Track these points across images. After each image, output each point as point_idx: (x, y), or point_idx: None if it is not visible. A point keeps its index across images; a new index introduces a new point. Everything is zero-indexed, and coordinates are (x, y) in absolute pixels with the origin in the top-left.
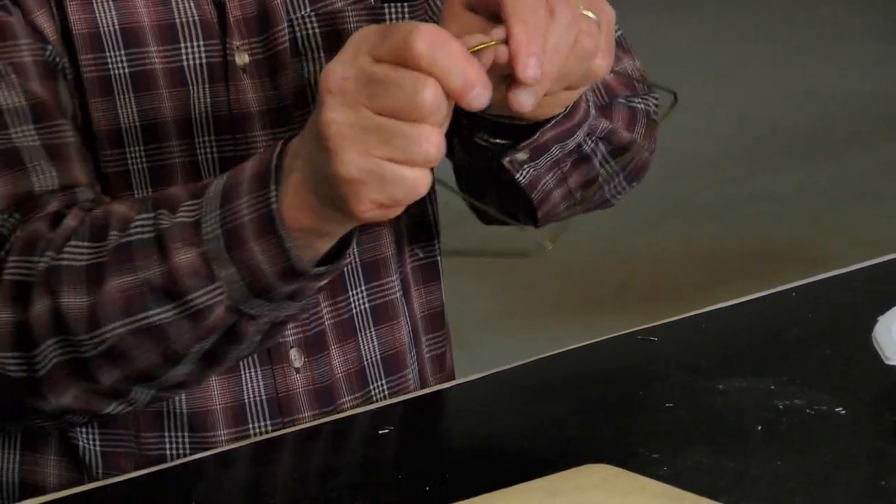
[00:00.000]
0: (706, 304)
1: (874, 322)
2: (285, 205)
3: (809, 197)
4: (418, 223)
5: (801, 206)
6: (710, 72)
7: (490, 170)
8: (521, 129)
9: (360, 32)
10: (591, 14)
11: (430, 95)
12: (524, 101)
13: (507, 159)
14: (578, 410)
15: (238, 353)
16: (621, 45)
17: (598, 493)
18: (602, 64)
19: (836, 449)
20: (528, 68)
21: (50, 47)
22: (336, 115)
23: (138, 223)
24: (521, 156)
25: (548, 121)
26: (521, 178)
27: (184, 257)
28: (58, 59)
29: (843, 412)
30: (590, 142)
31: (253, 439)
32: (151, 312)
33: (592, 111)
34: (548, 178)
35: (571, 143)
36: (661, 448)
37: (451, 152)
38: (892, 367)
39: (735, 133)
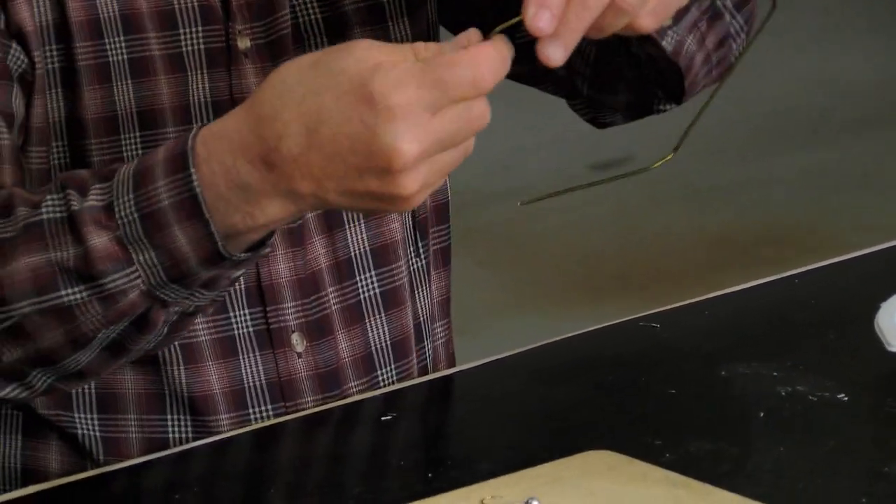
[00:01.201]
0: (711, 289)
1: (877, 309)
2: (207, 190)
3: (815, 181)
4: (437, 206)
5: (806, 191)
6: None
7: (623, 54)
8: None
9: (403, 92)
10: None
11: (486, 107)
12: (551, 55)
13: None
14: (581, 397)
15: (145, 344)
16: None
17: (600, 480)
18: (646, 23)
19: (838, 435)
20: (535, 19)
21: (13, 49)
22: (419, 176)
23: (49, 202)
24: (665, 21)
25: None
26: (666, 44)
27: (98, 241)
28: (20, 61)
29: (846, 399)
30: None
31: (255, 426)
32: (62, 293)
33: None
34: (689, 40)
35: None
36: (664, 434)
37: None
38: (895, 353)
39: (740, 118)
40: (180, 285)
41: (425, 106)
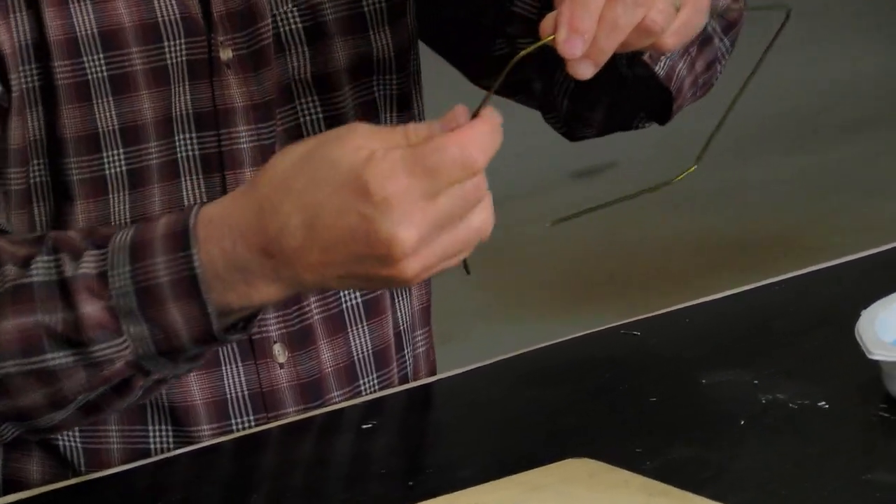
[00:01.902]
0: (692, 295)
1: (858, 316)
2: (205, 271)
3: (798, 185)
4: None
5: (791, 196)
6: None
7: (614, 76)
8: None
9: (396, 181)
10: None
11: (481, 182)
12: (582, 73)
13: (647, 53)
14: (562, 404)
15: (119, 405)
16: None
17: (581, 488)
18: (669, 42)
19: (819, 442)
20: (567, 45)
21: None
22: (420, 259)
23: (39, 264)
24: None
25: None
26: (659, 71)
27: (90, 309)
28: None
29: (827, 406)
30: (712, 21)
31: (236, 434)
32: (48, 356)
33: None
34: (681, 65)
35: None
36: (645, 442)
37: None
38: (875, 361)
39: (726, 121)
40: (167, 358)
41: (419, 193)
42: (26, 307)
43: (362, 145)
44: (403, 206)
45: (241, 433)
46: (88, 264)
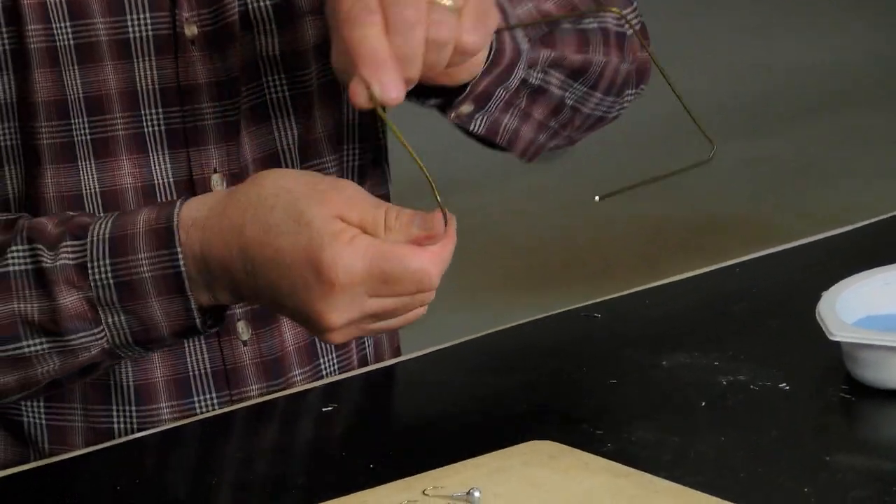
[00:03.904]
0: (652, 278)
1: (818, 297)
2: (187, 271)
3: (755, 170)
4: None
5: (747, 180)
6: (658, 45)
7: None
8: (453, 89)
9: (350, 274)
10: (446, 2)
11: (429, 296)
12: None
13: (452, 116)
14: (523, 387)
15: (79, 381)
16: None
17: (543, 470)
18: (469, 40)
19: (780, 424)
20: (384, 94)
21: None
22: (345, 333)
23: (15, 254)
24: (466, 108)
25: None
26: (475, 129)
27: (68, 300)
28: None
29: (788, 387)
30: (536, 74)
31: (198, 416)
32: (23, 343)
33: (524, 47)
34: (507, 119)
35: (514, 82)
36: (606, 424)
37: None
38: (836, 342)
39: (680, 107)
40: (143, 348)
41: (367, 290)
42: (3, 295)
43: (339, 214)
44: (346, 297)
45: (203, 416)
46: (67, 255)
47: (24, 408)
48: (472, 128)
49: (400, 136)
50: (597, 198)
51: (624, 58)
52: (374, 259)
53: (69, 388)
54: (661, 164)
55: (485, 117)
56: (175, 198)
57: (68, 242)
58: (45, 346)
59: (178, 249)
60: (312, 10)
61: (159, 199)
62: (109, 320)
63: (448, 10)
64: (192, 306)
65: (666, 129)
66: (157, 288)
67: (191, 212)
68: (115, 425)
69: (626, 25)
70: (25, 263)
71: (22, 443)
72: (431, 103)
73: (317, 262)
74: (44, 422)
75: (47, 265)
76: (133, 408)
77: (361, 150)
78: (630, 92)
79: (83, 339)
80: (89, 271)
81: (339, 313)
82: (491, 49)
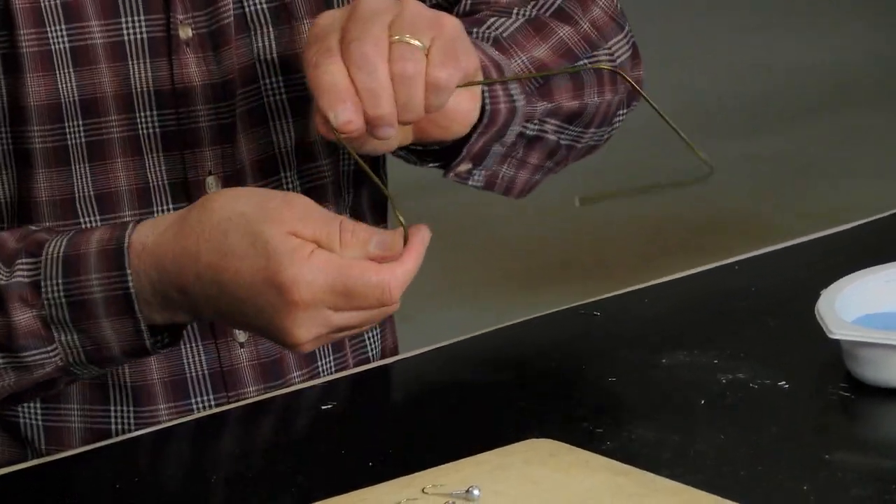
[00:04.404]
0: (651, 277)
1: (818, 296)
2: (137, 292)
3: (755, 169)
4: (373, 205)
5: (747, 179)
6: (658, 43)
7: None
8: (451, 147)
9: (312, 292)
10: (411, 41)
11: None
12: (380, 142)
13: (451, 175)
14: (522, 385)
15: (40, 395)
16: (562, 11)
17: (542, 468)
18: (440, 74)
19: (779, 422)
20: (339, 122)
21: None
22: (312, 344)
23: None
24: (464, 167)
25: (470, 134)
26: (474, 184)
27: (22, 317)
28: None
29: (787, 386)
30: (532, 126)
31: (194, 415)
32: None
33: (520, 103)
34: (504, 169)
35: (510, 137)
36: (605, 422)
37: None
38: (835, 341)
39: (682, 105)
40: (97, 366)
41: (330, 305)
42: None
43: (293, 231)
44: (310, 313)
45: (200, 414)
46: (22, 273)
47: (20, 409)
48: (470, 182)
49: (363, 164)
50: (577, 202)
51: (616, 90)
52: (334, 274)
53: (29, 399)
54: (661, 162)
55: (482, 172)
56: (170, 200)
57: (24, 260)
58: (0, 361)
59: (128, 271)
60: (310, 13)
61: (154, 202)
62: (63, 338)
63: (412, 46)
64: (142, 327)
65: (665, 128)
66: (108, 308)
67: (141, 237)
68: (113, 426)
69: (619, 69)
70: None
71: (19, 444)
72: (430, 164)
73: (278, 282)
74: (41, 423)
75: (2, 282)
76: (131, 409)
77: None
78: (621, 113)
79: (37, 357)
80: (42, 290)
81: (306, 329)
82: (485, 109)
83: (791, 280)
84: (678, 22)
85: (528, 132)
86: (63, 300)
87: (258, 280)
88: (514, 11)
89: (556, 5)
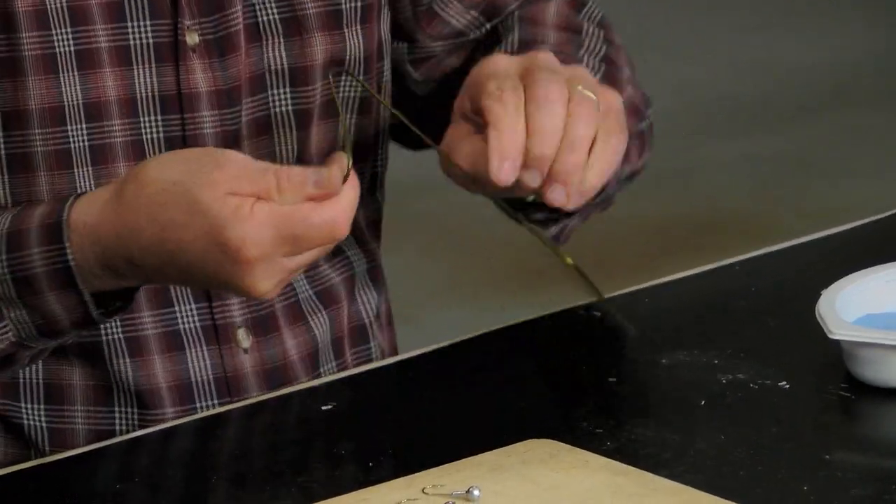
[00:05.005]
0: (651, 277)
1: (818, 296)
2: (79, 265)
3: (755, 168)
4: (370, 222)
5: (747, 178)
6: (658, 42)
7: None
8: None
9: (261, 247)
10: (590, 95)
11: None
12: (556, 197)
13: (537, 228)
14: (522, 385)
15: (5, 375)
16: (613, 76)
17: (541, 468)
18: (592, 183)
19: (779, 422)
20: (499, 172)
21: None
22: (274, 291)
23: None
24: (553, 229)
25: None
26: (553, 231)
27: None
28: None
29: (787, 386)
30: (619, 185)
31: (198, 415)
32: None
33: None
34: (574, 222)
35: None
36: (605, 422)
37: None
38: (836, 341)
39: (681, 104)
40: (50, 338)
41: (282, 254)
42: None
43: (230, 191)
44: (264, 266)
45: (202, 414)
46: None
47: (24, 410)
48: (548, 231)
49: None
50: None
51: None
52: (278, 224)
53: (66, 386)
54: (660, 159)
55: (561, 226)
56: None
57: None
58: None
59: (67, 245)
60: (321, 27)
61: None
62: (12, 314)
63: (591, 98)
64: (87, 298)
65: (665, 127)
66: (50, 283)
67: (81, 215)
68: (118, 429)
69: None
70: None
71: (22, 445)
72: (537, 217)
73: (224, 245)
74: (44, 424)
75: None
76: (135, 411)
77: (359, 172)
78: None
79: None
80: None
81: (266, 281)
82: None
83: (791, 280)
84: (678, 21)
85: (614, 194)
86: (8, 276)
87: (205, 246)
88: (585, 62)
89: (602, 53)
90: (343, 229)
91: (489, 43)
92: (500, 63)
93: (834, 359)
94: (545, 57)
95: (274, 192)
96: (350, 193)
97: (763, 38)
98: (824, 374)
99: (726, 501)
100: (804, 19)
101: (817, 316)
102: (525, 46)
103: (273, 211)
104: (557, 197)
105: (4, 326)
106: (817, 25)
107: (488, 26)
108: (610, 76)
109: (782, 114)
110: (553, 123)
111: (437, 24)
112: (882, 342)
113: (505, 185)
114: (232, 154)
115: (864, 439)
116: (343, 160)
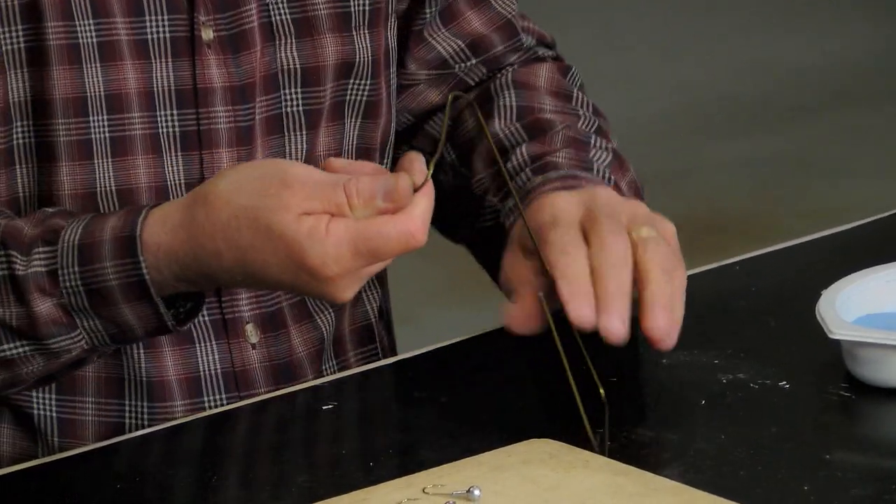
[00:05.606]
0: None
1: (818, 296)
2: (153, 279)
3: (755, 168)
4: None
5: (748, 178)
6: (658, 42)
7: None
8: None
9: (342, 264)
10: (654, 234)
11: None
12: (615, 330)
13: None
14: (522, 385)
15: (73, 373)
16: (620, 160)
17: (542, 468)
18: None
19: (779, 422)
20: (580, 320)
21: None
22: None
23: None
24: None
25: None
26: None
27: (42, 307)
28: None
29: (787, 386)
30: None
31: (200, 414)
32: (5, 347)
33: None
34: None
35: None
36: (605, 422)
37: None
38: (835, 341)
39: (681, 105)
40: (123, 344)
41: (361, 266)
42: None
43: (303, 211)
44: (347, 280)
45: (204, 413)
46: (39, 262)
47: (34, 400)
48: None
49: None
50: None
51: None
52: (355, 240)
53: (61, 378)
54: (660, 160)
55: None
56: None
57: (40, 249)
58: (26, 348)
59: (141, 258)
60: (331, 29)
61: (172, 200)
62: (85, 324)
63: (658, 240)
64: (162, 310)
65: (665, 127)
66: (125, 295)
67: (154, 236)
68: (127, 421)
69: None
70: (1, 269)
71: (31, 436)
72: None
73: (307, 267)
74: (54, 415)
75: (20, 273)
76: (144, 404)
77: None
78: None
79: (62, 343)
80: (60, 278)
81: (349, 291)
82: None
83: (791, 280)
84: (678, 21)
85: None
86: (81, 288)
87: (288, 268)
88: (592, 141)
89: (596, 125)
90: (420, 238)
91: (480, 101)
92: (565, 205)
93: (834, 359)
94: (606, 198)
95: (346, 208)
96: (423, 202)
97: (763, 38)
98: (824, 374)
99: (726, 501)
100: (804, 19)
101: (817, 316)
102: (523, 112)
103: (348, 227)
104: (613, 329)
105: (78, 335)
106: (817, 25)
107: (474, 61)
108: (618, 162)
109: (782, 114)
110: (618, 285)
111: (424, 48)
112: (882, 342)
113: (588, 326)
114: (297, 169)
115: (864, 439)
116: (400, 174)
